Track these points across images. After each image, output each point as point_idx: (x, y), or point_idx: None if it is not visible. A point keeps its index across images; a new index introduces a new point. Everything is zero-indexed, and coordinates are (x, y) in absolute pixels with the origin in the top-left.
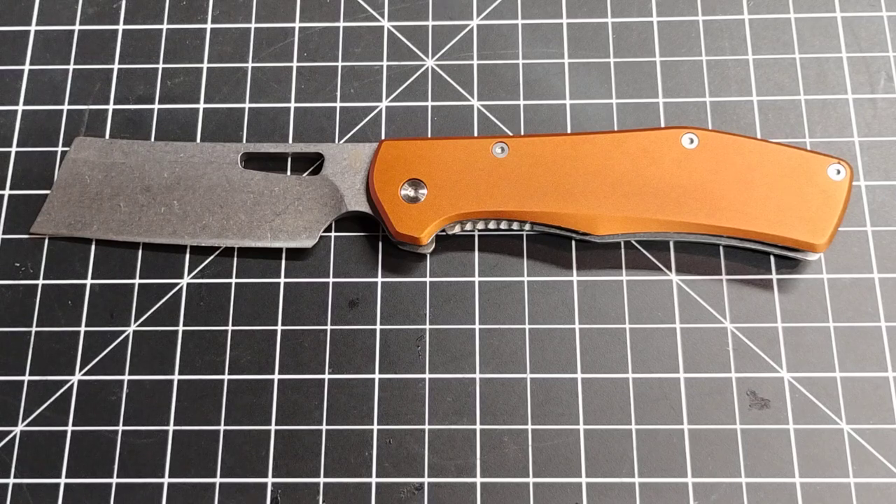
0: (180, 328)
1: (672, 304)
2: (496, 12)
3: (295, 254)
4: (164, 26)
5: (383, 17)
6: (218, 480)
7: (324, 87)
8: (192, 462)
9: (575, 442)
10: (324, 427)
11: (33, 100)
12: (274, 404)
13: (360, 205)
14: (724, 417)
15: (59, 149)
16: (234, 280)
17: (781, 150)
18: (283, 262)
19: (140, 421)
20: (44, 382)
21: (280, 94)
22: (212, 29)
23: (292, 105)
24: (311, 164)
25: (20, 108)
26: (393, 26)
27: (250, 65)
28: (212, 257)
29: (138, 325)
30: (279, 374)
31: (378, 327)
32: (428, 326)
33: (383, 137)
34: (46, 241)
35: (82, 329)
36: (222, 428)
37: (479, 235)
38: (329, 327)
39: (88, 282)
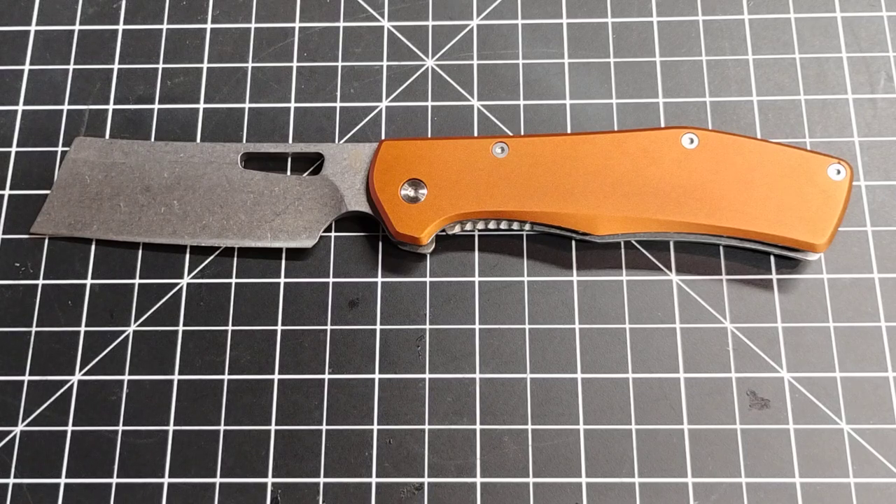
0: (180, 328)
1: (672, 304)
2: (496, 12)
3: (295, 254)
4: (164, 26)
5: (383, 17)
6: (218, 480)
7: (324, 87)
8: (192, 462)
9: (575, 442)
10: (324, 427)
11: (33, 100)
12: (274, 404)
13: (360, 205)
14: (724, 417)
15: (59, 149)
16: (234, 280)
17: (781, 150)
18: (283, 262)
19: (140, 421)
20: (44, 382)
21: (280, 94)
22: (212, 29)
23: (292, 105)
24: (311, 164)
25: (20, 108)
26: (393, 26)
27: (250, 65)
28: (212, 257)
29: (138, 325)
30: (279, 374)
31: (378, 327)
32: (428, 326)
33: (383, 137)
34: (46, 241)
35: (82, 329)
36: (222, 428)
37: (479, 235)
38: (329, 327)
39: (88, 282)
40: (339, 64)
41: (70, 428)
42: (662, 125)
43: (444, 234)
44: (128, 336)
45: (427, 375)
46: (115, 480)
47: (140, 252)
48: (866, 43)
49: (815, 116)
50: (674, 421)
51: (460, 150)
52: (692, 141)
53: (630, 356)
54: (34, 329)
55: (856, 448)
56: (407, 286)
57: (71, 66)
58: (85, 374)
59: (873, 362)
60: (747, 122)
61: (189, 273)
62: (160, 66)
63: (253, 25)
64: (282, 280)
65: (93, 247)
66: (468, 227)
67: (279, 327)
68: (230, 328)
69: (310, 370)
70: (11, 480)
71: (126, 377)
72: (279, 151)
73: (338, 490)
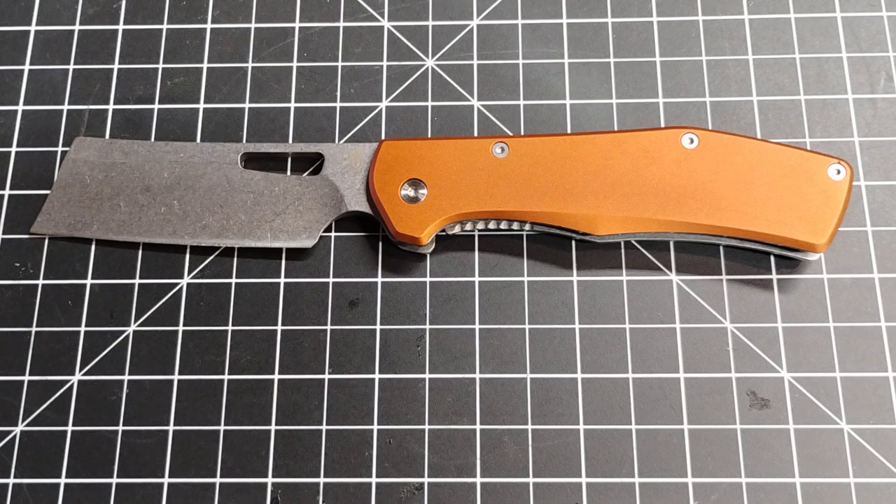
0: (180, 328)
1: (672, 304)
2: (496, 12)
3: (295, 254)
4: (164, 26)
5: (383, 17)
6: (218, 480)
7: (324, 87)
8: (192, 462)
9: (575, 442)
10: (324, 427)
11: (33, 100)
12: (274, 404)
13: (360, 205)
14: (724, 417)
15: (59, 149)
16: (234, 280)
17: (781, 150)
18: (283, 262)
19: (140, 421)
20: (44, 382)
21: (280, 94)
22: (212, 29)
23: (292, 105)
24: (311, 164)
25: (20, 108)
26: (393, 26)
27: (250, 65)
28: (212, 257)
29: (138, 325)
30: (279, 374)
31: (378, 327)
32: (428, 326)
33: (383, 137)
34: (46, 241)
35: (82, 329)
36: (222, 428)
37: (479, 235)
38: (329, 327)
39: (88, 282)
40: (339, 64)
41: (70, 428)
42: (662, 125)
43: (444, 234)
44: (128, 336)
45: (427, 375)
46: (115, 480)
47: (140, 252)
48: (866, 43)
49: (815, 116)
50: (674, 421)
51: (460, 150)
52: (692, 141)
53: (630, 356)
54: (34, 329)
55: (856, 448)
56: (407, 286)
57: (71, 66)
58: (85, 374)
59: (873, 362)
60: (747, 122)
61: (189, 273)
62: (160, 66)
63: (253, 25)
64: (282, 280)
65: (93, 247)
66: (468, 227)
67: (279, 327)
68: (230, 328)
69: (310, 370)
70: (11, 480)
71: (126, 377)
72: (279, 151)
73: (338, 490)
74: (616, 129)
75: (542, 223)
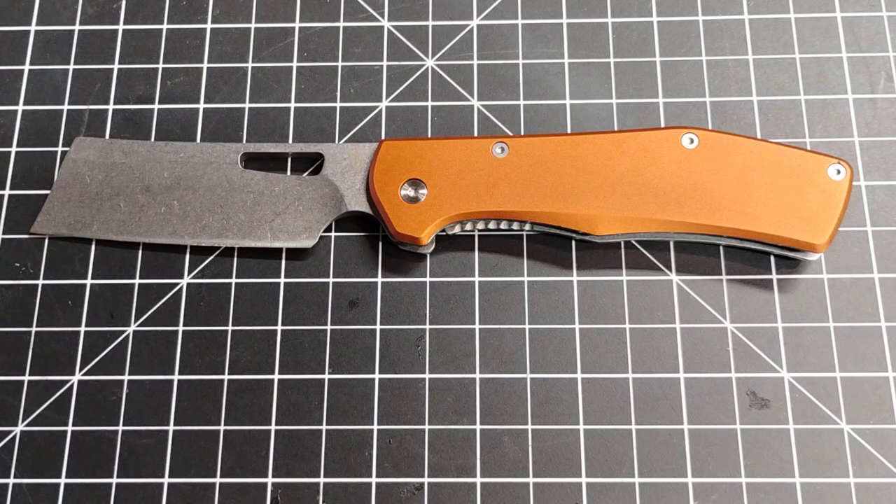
0: (180, 328)
1: (672, 304)
2: (496, 12)
3: (295, 254)
4: (164, 26)
5: (383, 17)
6: (218, 480)
7: (324, 87)
8: (192, 462)
9: (575, 442)
10: (324, 427)
11: (33, 100)
12: (274, 404)
13: (360, 205)
14: (724, 417)
15: (59, 149)
16: (234, 280)
17: (781, 150)
18: (283, 262)
19: (140, 421)
20: (44, 382)
21: (280, 94)
22: (212, 29)
23: (292, 105)
24: (311, 164)
25: (20, 108)
26: (393, 26)
27: (250, 65)
28: (212, 257)
29: (138, 325)
30: (279, 374)
31: (378, 327)
32: (428, 326)
33: (383, 137)
34: (46, 241)
35: (82, 329)
36: (222, 428)
37: (479, 235)
38: (329, 327)
39: (88, 282)
40: (339, 64)
41: (70, 428)
42: (662, 125)
43: (444, 234)
44: (128, 336)
45: (427, 375)
46: (115, 480)
47: (140, 252)
48: (866, 43)
49: (815, 116)
50: (674, 421)
51: (460, 150)
52: (692, 141)
53: (630, 356)
54: (34, 329)
55: (856, 448)
56: (407, 286)
57: (71, 66)
58: (85, 374)
59: (873, 362)
60: (747, 122)
61: (189, 273)
62: (160, 66)
63: (253, 25)
64: (282, 280)
65: (93, 247)
66: (468, 227)
67: (279, 327)
68: (230, 328)
69: (310, 370)
70: (11, 480)
71: (126, 377)
72: (279, 151)
73: (338, 490)
74: (616, 129)
75: (542, 223)
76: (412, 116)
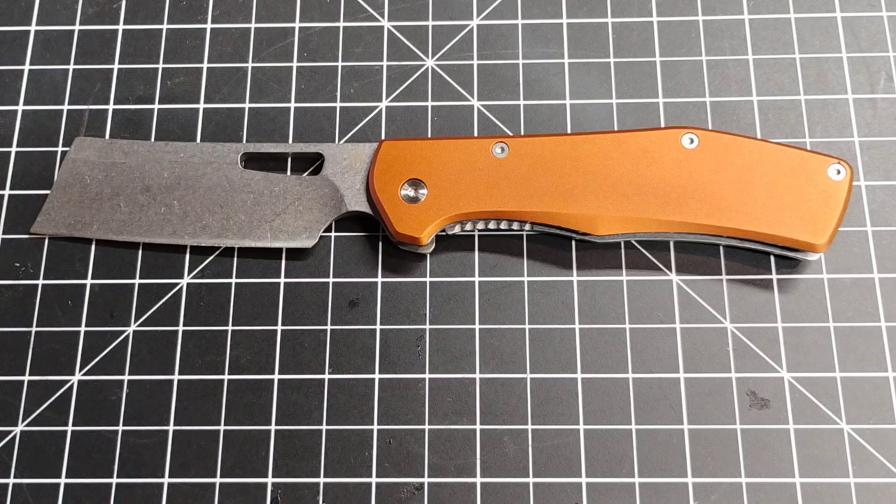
0: (180, 328)
1: (672, 304)
2: (496, 12)
3: (295, 254)
4: (164, 26)
5: (383, 17)
6: (218, 480)
7: (324, 87)
8: (192, 462)
9: (575, 442)
10: (324, 427)
11: (33, 100)
12: (274, 404)
13: (360, 205)
14: (724, 417)
15: (59, 149)
16: (234, 280)
17: (781, 150)
18: (283, 262)
19: (140, 421)
20: (44, 382)
21: (280, 94)
22: (212, 29)
23: (292, 105)
24: (311, 164)
25: (20, 108)
26: (393, 26)
27: (250, 65)
28: (212, 257)
29: (138, 325)
30: (279, 374)
31: (378, 327)
32: (428, 326)
33: (383, 137)
34: (46, 241)
35: (82, 329)
36: (222, 428)
37: (479, 235)
38: (329, 327)
39: (88, 282)
40: (339, 64)
41: (70, 428)
42: (662, 125)
43: (444, 234)
44: (128, 336)
45: (427, 375)
46: (115, 480)
47: (140, 252)
48: (866, 43)
49: (815, 116)
50: (674, 421)
51: (460, 150)
52: (692, 141)
53: (630, 356)
54: (34, 329)
55: (856, 448)
56: (407, 286)
57: (71, 66)
58: (85, 374)
59: (873, 362)
60: (747, 122)
61: (189, 273)
62: (160, 66)
63: (253, 25)
64: (282, 280)
65: (93, 247)
66: (468, 227)
67: (279, 327)
68: (230, 328)
69: (310, 370)
70: (11, 480)
71: (126, 377)
72: (279, 151)
73: (338, 490)
74: (616, 129)
75: (542, 223)
76: (412, 116)
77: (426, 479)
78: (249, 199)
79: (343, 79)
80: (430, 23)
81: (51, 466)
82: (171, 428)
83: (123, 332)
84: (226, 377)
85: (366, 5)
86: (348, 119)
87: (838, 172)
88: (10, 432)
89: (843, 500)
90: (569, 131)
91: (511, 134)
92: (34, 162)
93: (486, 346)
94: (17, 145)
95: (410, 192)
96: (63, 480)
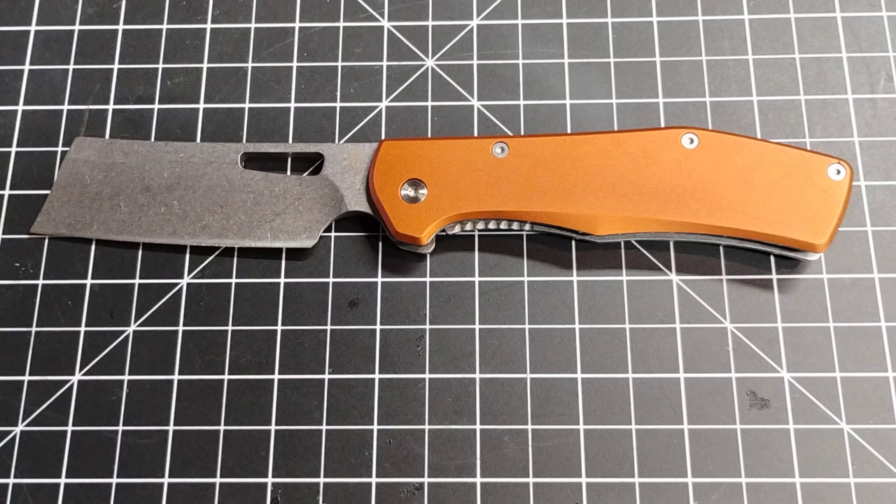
0: (180, 328)
1: (672, 304)
2: (496, 12)
3: (295, 254)
4: (164, 26)
5: (383, 17)
6: (218, 480)
7: (324, 87)
8: (192, 462)
9: (575, 442)
10: (324, 427)
11: (33, 100)
12: (274, 404)
13: (360, 205)
14: (724, 417)
15: (59, 149)
16: (234, 280)
17: (781, 150)
18: (283, 262)
19: (140, 421)
20: (44, 382)
21: (280, 94)
22: (212, 29)
23: (292, 105)
24: (311, 164)
25: (20, 108)
26: (393, 26)
27: (250, 65)
28: (212, 257)
29: (138, 325)
30: (279, 374)
31: (378, 327)
32: (428, 326)
33: (383, 137)
34: (46, 241)
35: (82, 329)
36: (222, 428)
37: (479, 235)
38: (329, 327)
39: (88, 282)
40: (339, 64)
41: (70, 428)
42: (662, 125)
43: (444, 234)
44: (128, 336)
45: (427, 375)
46: (115, 480)
47: (140, 252)
48: (866, 43)
49: (815, 116)
50: (674, 421)
51: (460, 150)
52: (692, 141)
53: (630, 356)
54: (34, 329)
55: (856, 448)
56: (407, 286)
57: (71, 66)
58: (85, 374)
59: (873, 362)
60: (747, 122)
61: (189, 273)
62: (160, 66)
63: (253, 25)
64: (282, 280)
65: (93, 247)
66: (468, 227)
67: (279, 327)
68: (230, 328)
69: (310, 370)
70: (11, 480)
71: (126, 377)
72: (279, 151)
73: (338, 490)
74: (616, 129)
75: (542, 223)
76: (412, 116)
77: (426, 479)
78: (249, 199)
79: (343, 79)
80: (430, 23)
81: (51, 466)
82: (171, 428)
83: (123, 332)
84: (226, 377)
85: (366, 5)
86: (348, 119)
87: (838, 172)
88: (10, 432)
89: (843, 500)
90: (569, 131)
91: (511, 134)
92: (34, 162)
93: (486, 346)
94: (17, 145)
95: (410, 192)
96: (63, 480)
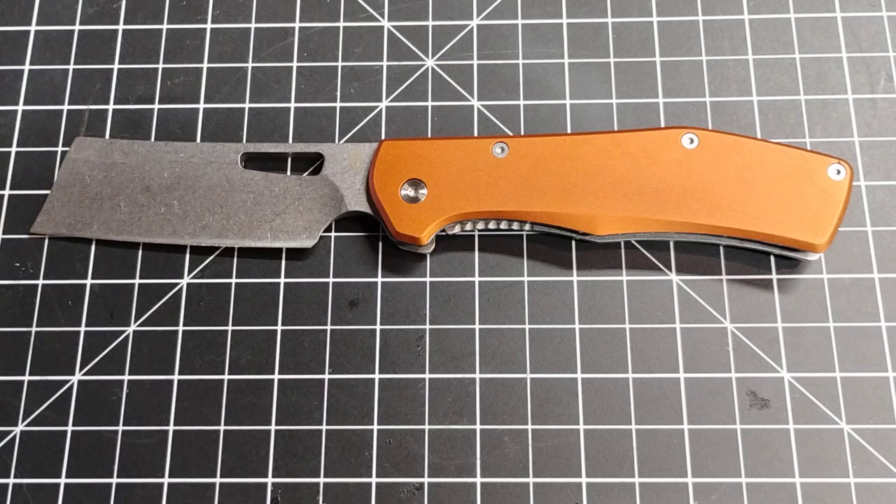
0: (180, 328)
1: (672, 304)
2: (496, 12)
3: (295, 254)
4: (164, 26)
5: (383, 17)
6: (218, 480)
7: (324, 87)
8: (192, 462)
9: (575, 442)
10: (324, 427)
11: (33, 100)
12: (274, 404)
13: (360, 205)
14: (724, 417)
15: (59, 149)
16: (234, 280)
17: (781, 150)
18: (283, 262)
19: (140, 421)
20: (44, 382)
21: (280, 94)
22: (212, 29)
23: (292, 105)
24: (311, 164)
25: (20, 108)
26: (393, 26)
27: (250, 65)
28: (212, 257)
29: (138, 325)
30: (279, 374)
31: (378, 327)
32: (428, 326)
33: (383, 137)
34: (46, 241)
35: (82, 329)
36: (222, 428)
37: (479, 235)
38: (329, 327)
39: (88, 282)
40: (339, 64)
41: (70, 428)
42: (662, 125)
43: (444, 234)
44: (128, 336)
45: (427, 375)
46: (115, 480)
47: (140, 252)
48: (866, 43)
49: (815, 116)
50: (674, 421)
51: (460, 150)
52: (692, 141)
53: (630, 356)
54: (34, 329)
55: (856, 448)
56: (407, 286)
57: (71, 66)
58: (85, 374)
59: (873, 362)
60: (747, 122)
61: (189, 273)
62: (160, 66)
63: (253, 25)
64: (282, 280)
65: (93, 247)
66: (468, 227)
67: (279, 327)
68: (230, 328)
69: (310, 370)
70: (11, 480)
71: (126, 377)
72: (279, 151)
73: (338, 490)
74: (616, 129)
75: (542, 223)
76: (412, 116)
77: (426, 479)
78: (249, 199)
79: (343, 79)
80: (430, 23)
81: (51, 466)
82: (171, 428)
83: (123, 332)
84: (226, 377)
85: (366, 5)
86: (348, 119)
87: (838, 172)
88: (10, 432)
89: (843, 500)
90: (569, 131)
91: (511, 134)
92: (34, 162)
93: (486, 346)
94: (17, 145)
95: (410, 192)
96: (63, 480)
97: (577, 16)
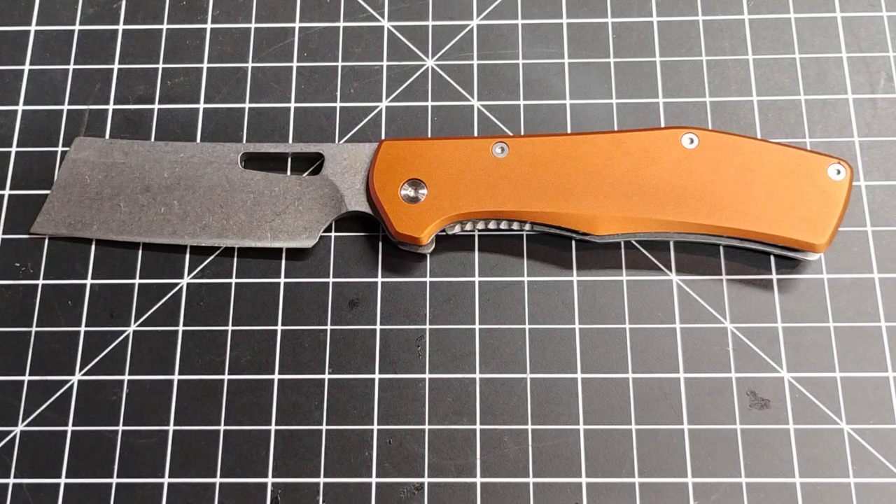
0: (180, 328)
1: (672, 304)
2: (496, 12)
3: (295, 254)
4: (164, 26)
5: (383, 17)
6: (218, 480)
7: (324, 87)
8: (192, 462)
9: (575, 442)
10: (324, 427)
11: (33, 100)
12: (274, 404)
13: (360, 205)
14: (724, 417)
15: (59, 149)
16: (234, 280)
17: (781, 150)
18: (283, 262)
19: (140, 421)
20: (44, 382)
21: (280, 94)
22: (212, 29)
23: (292, 105)
24: (311, 164)
25: (20, 108)
26: (393, 26)
27: (250, 65)
28: (212, 257)
29: (138, 325)
30: (279, 374)
31: (378, 327)
32: (428, 326)
33: (383, 137)
34: (46, 241)
35: (82, 329)
36: (222, 428)
37: (479, 235)
38: (329, 327)
39: (88, 282)
40: (339, 64)
41: (70, 428)
42: (662, 125)
43: (444, 234)
44: (128, 336)
45: (427, 375)
46: (115, 480)
47: (140, 252)
48: (866, 43)
49: (815, 116)
50: (674, 421)
51: (460, 150)
52: (692, 141)
53: (630, 356)
54: (34, 329)
55: (856, 448)
56: (407, 286)
57: (71, 66)
58: (85, 374)
59: (873, 362)
60: (747, 122)
61: (189, 273)
62: (160, 66)
63: (253, 25)
64: (282, 280)
65: (93, 247)
66: (468, 227)
67: (279, 327)
68: (230, 328)
69: (310, 370)
70: (11, 480)
71: (126, 377)
72: (279, 151)
73: (338, 490)
74: (616, 129)
75: (542, 223)
76: (412, 116)
77: (426, 479)
78: (249, 199)
79: (343, 79)
80: (430, 23)
81: (51, 466)
82: (171, 428)
83: (123, 332)
84: (226, 377)
85: (366, 5)
86: (348, 119)
87: (838, 172)
88: (10, 432)
89: (843, 500)
90: (569, 131)
91: (511, 134)
92: (34, 162)
93: (486, 346)
94: (17, 145)
95: (410, 192)
96: (63, 480)
97: (577, 16)
